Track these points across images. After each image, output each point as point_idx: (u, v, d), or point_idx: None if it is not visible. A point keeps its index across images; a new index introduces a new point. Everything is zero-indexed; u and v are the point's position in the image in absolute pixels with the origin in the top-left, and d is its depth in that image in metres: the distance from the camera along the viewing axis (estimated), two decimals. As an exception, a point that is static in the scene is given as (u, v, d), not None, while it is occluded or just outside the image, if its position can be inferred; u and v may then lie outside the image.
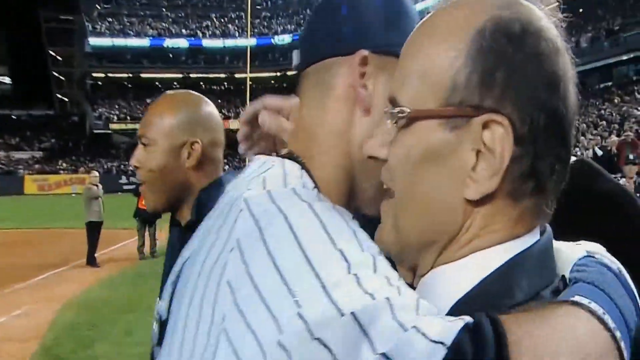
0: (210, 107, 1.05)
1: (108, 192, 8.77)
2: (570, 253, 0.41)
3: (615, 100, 18.75)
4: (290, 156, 0.48)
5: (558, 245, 0.42)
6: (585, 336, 0.32)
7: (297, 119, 0.52)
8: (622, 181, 5.45)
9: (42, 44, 44.12)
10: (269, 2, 43.37)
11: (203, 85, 41.63)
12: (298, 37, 0.62)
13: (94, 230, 7.77)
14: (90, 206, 7.87)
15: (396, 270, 0.38)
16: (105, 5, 41.19)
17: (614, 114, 17.13)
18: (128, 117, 37.74)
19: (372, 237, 0.41)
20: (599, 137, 13.01)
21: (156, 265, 8.00)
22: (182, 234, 0.97)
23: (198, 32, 40.78)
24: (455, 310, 0.35)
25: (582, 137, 14.53)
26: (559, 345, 0.31)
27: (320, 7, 0.52)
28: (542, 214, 0.38)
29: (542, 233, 0.39)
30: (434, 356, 0.30)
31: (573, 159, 0.89)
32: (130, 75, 40.02)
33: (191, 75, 40.60)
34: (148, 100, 40.42)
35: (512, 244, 0.36)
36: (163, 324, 0.81)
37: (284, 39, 39.83)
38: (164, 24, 41.04)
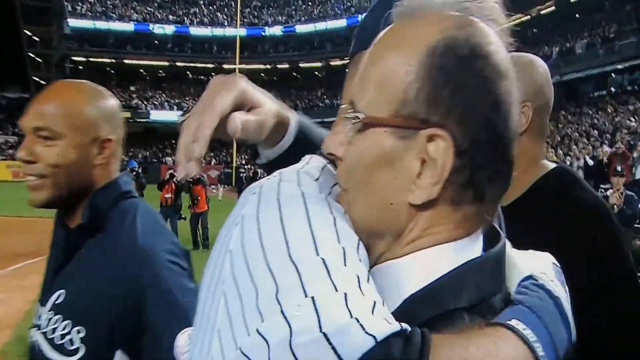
0: (116, 102, 1.03)
1: None
2: (520, 267, 0.45)
3: (609, 110, 19.11)
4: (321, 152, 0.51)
5: (511, 254, 0.46)
6: None
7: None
8: (610, 192, 5.64)
9: (17, 22, 42.94)
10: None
11: (190, 75, 41.20)
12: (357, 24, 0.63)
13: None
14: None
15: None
16: None
17: (606, 124, 17.49)
18: (110, 104, 37.42)
19: None
20: (590, 147, 13.27)
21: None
22: (69, 237, 0.94)
23: (185, 18, 40.12)
24: (403, 308, 0.39)
25: (574, 146, 14.78)
26: None
27: (379, 1, 0.61)
28: (482, 220, 0.43)
29: (495, 241, 0.44)
30: (363, 346, 0.33)
31: (553, 165, 0.93)
32: (114, 60, 39.14)
33: (177, 63, 39.92)
34: (132, 88, 39.59)
35: (453, 245, 0.41)
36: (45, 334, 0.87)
37: (275, 30, 39.54)
38: (149, 8, 40.20)
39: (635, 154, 10.89)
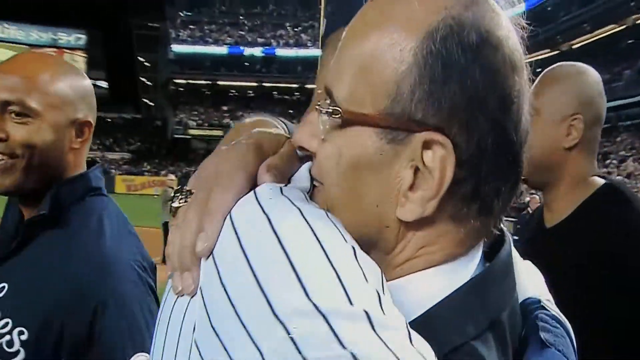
0: (89, 82, 0.92)
1: None
2: (521, 281, 0.40)
3: None
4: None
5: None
6: None
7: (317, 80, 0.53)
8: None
9: (133, 50, 48.98)
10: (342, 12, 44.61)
11: (275, 94, 43.79)
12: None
13: (168, 230, 8.93)
14: (166, 207, 9.01)
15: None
16: (187, 13, 44.31)
17: None
18: (205, 124, 40.63)
19: None
20: None
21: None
22: (24, 227, 0.82)
23: (272, 41, 42.71)
24: None
25: None
26: None
27: None
28: (487, 233, 0.36)
29: (497, 252, 0.37)
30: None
31: (602, 182, 0.89)
32: (209, 82, 42.97)
33: (264, 84, 42.66)
34: (224, 108, 43.33)
35: (451, 265, 0.34)
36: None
37: None
38: (241, 32, 43.42)
39: None
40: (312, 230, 0.31)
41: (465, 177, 0.33)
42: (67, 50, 44.81)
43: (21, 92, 0.79)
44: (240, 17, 44.57)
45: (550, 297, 0.43)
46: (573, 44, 29.29)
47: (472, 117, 0.32)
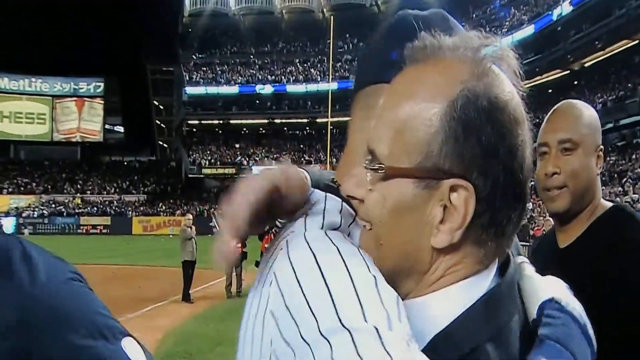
0: None
1: (199, 235, 9.77)
2: (538, 290, 0.47)
3: None
4: (331, 187, 0.56)
5: (530, 277, 0.49)
6: None
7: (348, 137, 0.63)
8: None
9: (148, 94, 50.96)
10: (351, 45, 45.13)
11: (286, 130, 44.49)
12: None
13: (188, 268, 9.02)
14: (185, 246, 9.19)
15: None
16: (200, 55, 46.20)
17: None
18: (218, 162, 41.51)
19: None
20: None
21: (242, 303, 8.99)
22: None
23: (282, 77, 43.91)
24: (431, 348, 0.39)
25: None
26: None
27: (374, 41, 0.66)
28: (501, 253, 0.45)
29: (505, 270, 0.46)
30: None
31: (610, 204, 1.00)
32: (221, 121, 44.28)
33: (275, 120, 43.70)
34: (237, 145, 44.24)
35: (473, 281, 0.43)
36: None
37: None
38: (251, 71, 44.86)
39: None
40: (345, 265, 0.41)
41: (483, 210, 0.41)
42: (87, 99, 47.08)
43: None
44: (251, 57, 46.13)
45: (572, 299, 0.48)
46: (585, 62, 29.41)
47: (488, 164, 0.41)
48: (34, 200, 38.55)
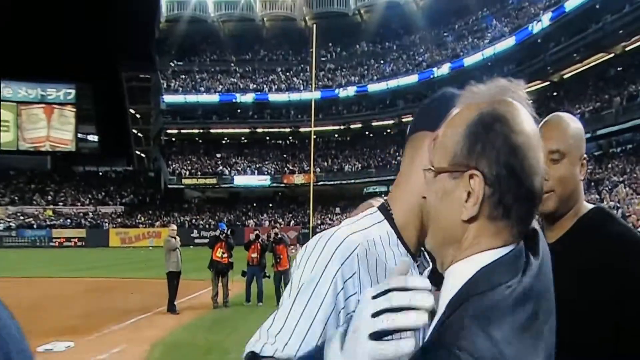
0: None
1: (181, 246, 9.74)
2: None
3: None
4: (381, 205, 0.87)
5: None
6: None
7: (400, 174, 0.89)
8: None
9: (124, 102, 50.15)
10: (334, 54, 45.54)
11: (269, 140, 44.30)
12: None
13: (173, 279, 9.09)
14: (169, 257, 9.23)
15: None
16: (179, 63, 45.42)
17: None
18: (199, 172, 41.00)
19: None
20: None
21: (229, 313, 9.21)
22: None
23: (264, 86, 43.73)
24: (461, 289, 0.60)
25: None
26: None
27: (431, 98, 0.92)
28: (513, 235, 0.63)
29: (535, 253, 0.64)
30: None
31: (592, 206, 1.14)
32: (201, 130, 43.74)
33: (257, 129, 43.51)
34: (218, 155, 43.78)
35: (493, 252, 0.62)
36: None
37: (348, 91, 41.31)
38: (232, 79, 44.45)
39: None
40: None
41: (492, 192, 0.61)
42: (57, 106, 45.76)
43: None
44: (231, 64, 45.73)
45: None
46: (564, 74, 30.62)
47: (491, 160, 0.61)
48: (-2, 212, 37.47)
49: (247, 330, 8.05)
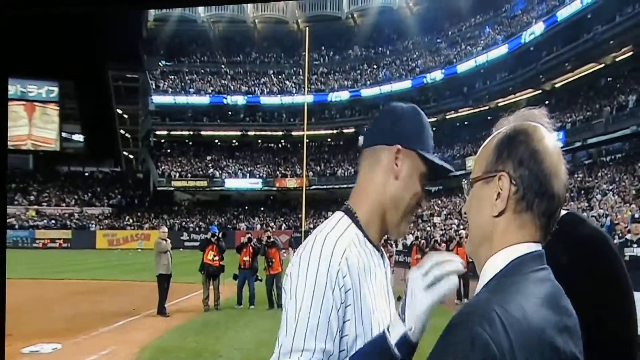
0: None
1: (171, 249, 9.64)
2: None
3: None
4: (345, 207, 0.99)
5: None
6: None
7: (357, 183, 1.01)
8: None
9: (110, 102, 49.45)
10: (327, 58, 45.42)
11: (260, 143, 44.08)
12: (367, 126, 1.06)
13: (163, 282, 9.08)
14: (159, 260, 9.21)
15: None
16: (167, 63, 44.84)
17: None
18: (189, 175, 40.77)
19: None
20: None
21: (220, 316, 9.22)
22: None
23: (256, 89, 43.47)
24: (491, 279, 0.71)
25: None
26: None
27: (382, 114, 1.03)
28: (536, 229, 0.74)
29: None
30: None
31: (564, 211, 1.14)
32: (191, 132, 43.49)
33: (249, 132, 43.30)
34: (208, 158, 43.47)
35: (520, 246, 0.73)
36: None
37: (341, 95, 41.38)
38: (223, 81, 44.05)
39: None
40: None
41: (516, 189, 0.74)
42: (39, 104, 44.80)
43: None
44: (222, 66, 45.36)
45: None
46: (555, 83, 31.14)
47: (515, 163, 0.74)
48: (-22, 213, 36.75)
49: (238, 333, 8.13)
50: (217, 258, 9.61)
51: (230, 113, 43.03)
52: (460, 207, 27.38)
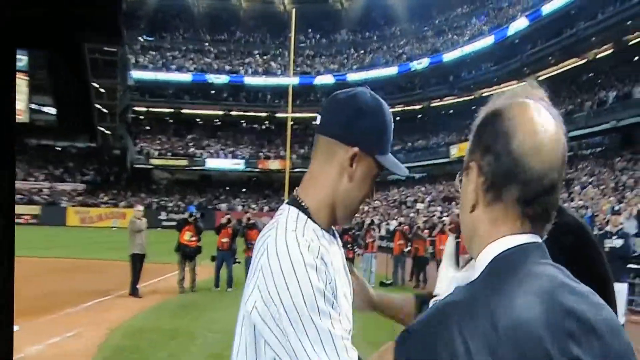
0: None
1: (147, 228, 9.34)
2: None
3: None
4: (294, 201, 0.95)
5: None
6: None
7: (310, 171, 0.97)
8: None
9: (86, 75, 48.06)
10: (313, 41, 45.02)
11: (244, 123, 43.48)
12: (323, 108, 0.98)
13: (137, 262, 8.71)
14: (134, 239, 8.83)
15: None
16: (148, 38, 43.59)
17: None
18: (169, 153, 39.80)
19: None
20: None
21: (196, 298, 8.91)
22: None
23: (240, 68, 42.69)
24: (483, 271, 0.64)
25: (628, 194, 14.53)
26: None
27: (342, 102, 0.94)
28: (516, 220, 0.65)
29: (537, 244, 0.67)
30: None
31: None
32: (172, 110, 42.45)
33: (232, 112, 42.47)
34: (189, 137, 42.68)
35: (499, 242, 0.65)
36: None
37: (326, 79, 41.07)
38: (206, 59, 43.16)
39: None
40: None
41: (484, 179, 0.65)
42: (7, 73, 43.00)
43: None
44: (206, 44, 44.39)
45: None
46: (539, 76, 31.40)
47: (484, 151, 0.65)
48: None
49: (215, 315, 7.82)
50: (194, 239, 9.34)
51: (213, 92, 42.18)
52: (442, 195, 27.61)
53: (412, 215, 24.12)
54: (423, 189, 31.42)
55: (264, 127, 43.73)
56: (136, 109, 42.24)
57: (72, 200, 35.62)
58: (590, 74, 28.02)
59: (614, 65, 25.86)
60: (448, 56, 35.16)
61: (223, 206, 35.00)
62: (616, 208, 9.77)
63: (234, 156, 40.24)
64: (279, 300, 0.81)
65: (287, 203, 0.95)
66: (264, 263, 0.83)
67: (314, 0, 44.93)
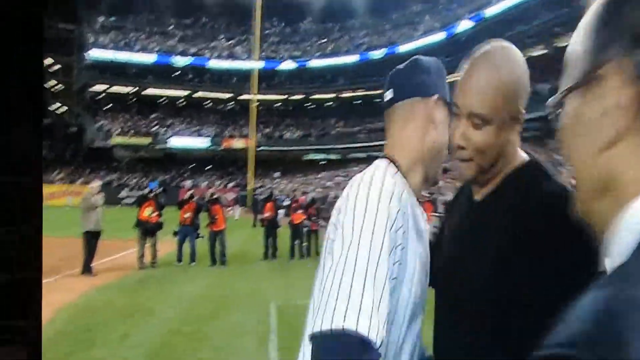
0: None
1: (106, 205, 8.72)
2: None
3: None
4: (387, 156, 0.92)
5: None
6: None
7: (391, 136, 0.95)
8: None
9: (40, 51, 44.27)
10: (277, 29, 44.18)
11: (208, 104, 41.81)
12: (387, 83, 0.99)
13: (91, 239, 7.75)
14: (88, 216, 7.84)
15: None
16: (110, 19, 41.15)
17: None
18: (131, 131, 37.62)
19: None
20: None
21: (157, 273, 8.04)
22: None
23: (206, 52, 41.19)
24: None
25: None
26: None
27: (411, 68, 0.97)
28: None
29: None
30: None
31: (526, 157, 0.94)
32: (134, 89, 40.21)
33: (197, 94, 40.78)
34: (152, 115, 40.57)
35: None
36: None
37: (290, 65, 40.76)
38: (171, 42, 41.30)
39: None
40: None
41: None
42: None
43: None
44: (170, 27, 42.45)
45: None
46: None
47: (633, 41, 0.37)
48: None
49: (175, 289, 6.82)
50: (155, 214, 8.50)
51: (177, 73, 40.18)
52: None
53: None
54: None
55: (228, 108, 42.48)
56: (96, 87, 39.51)
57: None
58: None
59: (547, 65, 27.64)
60: (403, 48, 35.66)
61: (187, 182, 33.56)
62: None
63: (199, 135, 38.86)
64: (345, 208, 0.79)
65: (380, 158, 0.94)
66: (345, 190, 0.83)
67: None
